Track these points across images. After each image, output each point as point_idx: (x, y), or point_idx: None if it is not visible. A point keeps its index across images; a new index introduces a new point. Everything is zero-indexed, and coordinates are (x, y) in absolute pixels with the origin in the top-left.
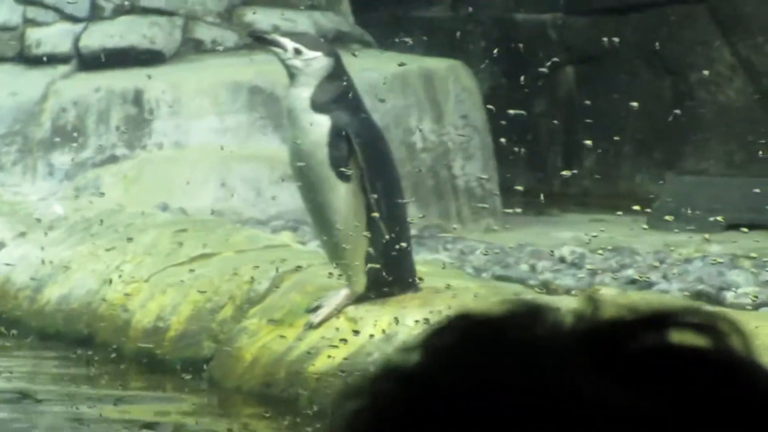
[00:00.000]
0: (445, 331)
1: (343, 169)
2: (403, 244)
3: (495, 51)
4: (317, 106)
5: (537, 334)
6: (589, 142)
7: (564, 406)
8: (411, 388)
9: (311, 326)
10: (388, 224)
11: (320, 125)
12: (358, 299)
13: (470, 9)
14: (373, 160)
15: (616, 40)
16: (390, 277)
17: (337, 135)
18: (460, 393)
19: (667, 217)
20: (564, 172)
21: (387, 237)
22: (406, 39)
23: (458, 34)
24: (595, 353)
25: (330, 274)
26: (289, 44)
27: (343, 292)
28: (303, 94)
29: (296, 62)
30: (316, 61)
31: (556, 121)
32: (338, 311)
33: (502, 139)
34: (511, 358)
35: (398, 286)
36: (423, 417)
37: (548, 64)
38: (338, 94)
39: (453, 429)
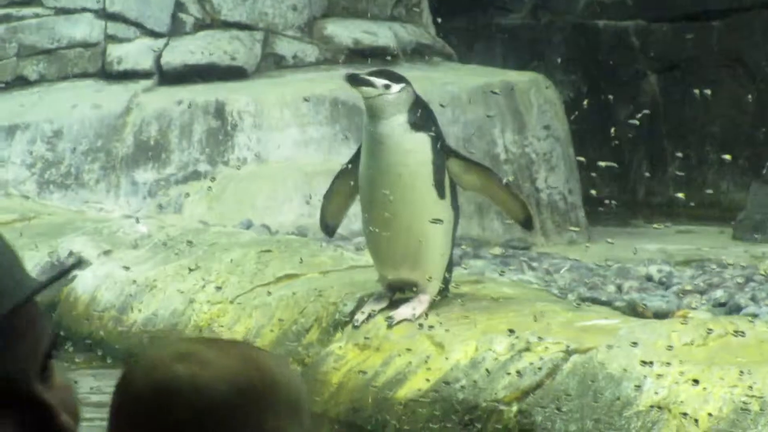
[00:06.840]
0: None
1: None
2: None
3: (575, 58)
4: (416, 127)
5: None
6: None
7: None
8: None
9: (389, 325)
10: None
11: (423, 143)
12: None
13: (549, 16)
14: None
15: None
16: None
17: (436, 151)
18: None
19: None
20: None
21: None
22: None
23: (538, 41)
24: None
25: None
26: (378, 82)
27: (424, 298)
28: (398, 121)
29: (388, 97)
30: (404, 91)
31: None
32: (419, 316)
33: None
34: None
35: (442, 291)
36: None
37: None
38: (425, 115)
39: None
